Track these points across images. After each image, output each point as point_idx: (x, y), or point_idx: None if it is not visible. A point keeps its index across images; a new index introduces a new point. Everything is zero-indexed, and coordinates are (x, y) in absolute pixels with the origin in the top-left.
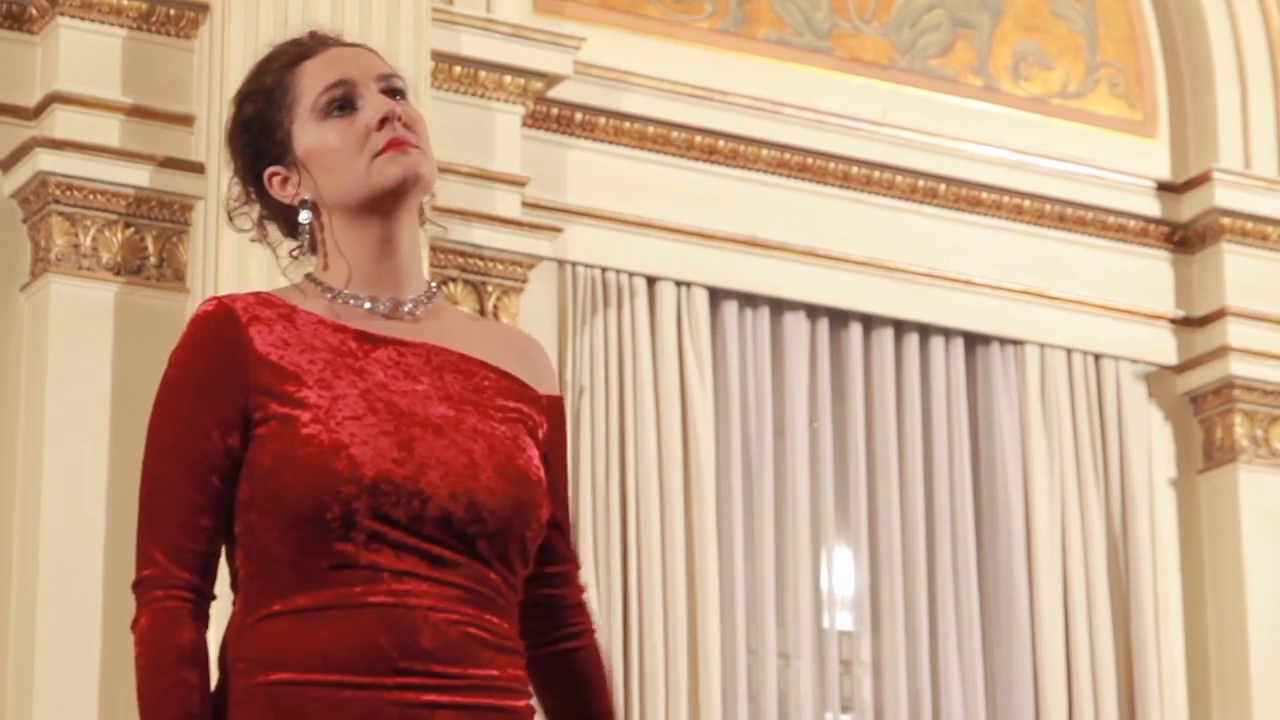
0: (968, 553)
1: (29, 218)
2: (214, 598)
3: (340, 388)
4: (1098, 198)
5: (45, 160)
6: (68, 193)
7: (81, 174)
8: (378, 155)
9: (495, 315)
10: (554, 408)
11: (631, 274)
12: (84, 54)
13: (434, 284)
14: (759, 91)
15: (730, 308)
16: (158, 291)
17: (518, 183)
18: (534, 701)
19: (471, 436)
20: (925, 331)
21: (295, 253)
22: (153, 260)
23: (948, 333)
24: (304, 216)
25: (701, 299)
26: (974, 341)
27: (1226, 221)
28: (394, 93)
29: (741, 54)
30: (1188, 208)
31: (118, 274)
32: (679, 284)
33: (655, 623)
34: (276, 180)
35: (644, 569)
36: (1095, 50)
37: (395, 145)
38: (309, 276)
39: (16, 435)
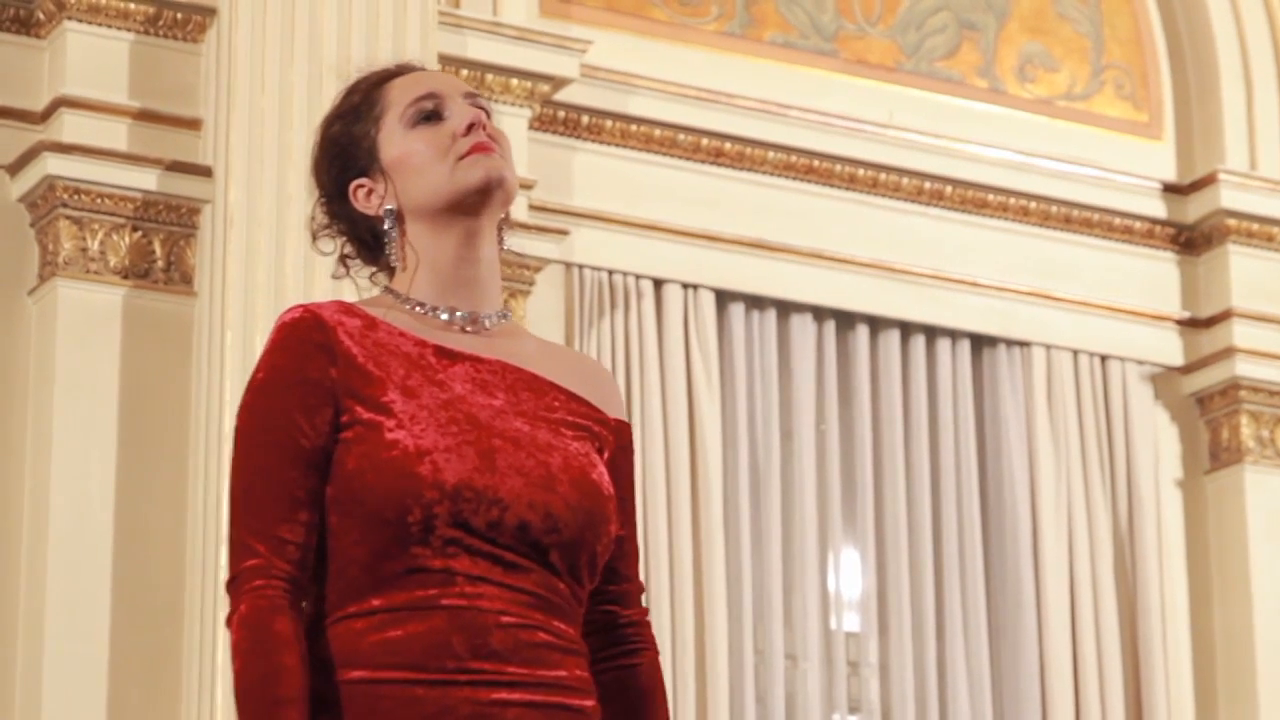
0: (974, 554)
1: (36, 221)
2: (310, 592)
3: (423, 397)
4: (1103, 199)
5: (53, 164)
6: (75, 196)
7: (89, 178)
8: (462, 158)
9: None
10: (622, 431)
11: (638, 276)
12: (91, 58)
13: (508, 311)
14: (765, 94)
15: (737, 310)
16: (165, 295)
17: (524, 185)
18: None
19: (547, 450)
20: (931, 333)
21: (373, 277)
22: (160, 264)
23: (954, 334)
24: (388, 224)
25: (708, 301)
26: (980, 343)
27: (1232, 223)
28: (480, 110)
29: (747, 57)
30: (1193, 209)
31: (125, 277)
32: (686, 286)
33: (663, 624)
34: (361, 193)
35: (651, 570)
36: (1101, 52)
37: (480, 149)
38: (388, 289)
39: (24, 439)
